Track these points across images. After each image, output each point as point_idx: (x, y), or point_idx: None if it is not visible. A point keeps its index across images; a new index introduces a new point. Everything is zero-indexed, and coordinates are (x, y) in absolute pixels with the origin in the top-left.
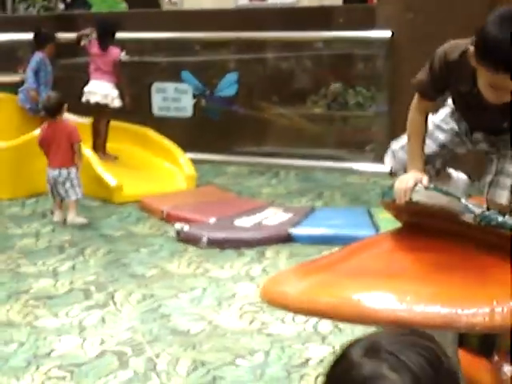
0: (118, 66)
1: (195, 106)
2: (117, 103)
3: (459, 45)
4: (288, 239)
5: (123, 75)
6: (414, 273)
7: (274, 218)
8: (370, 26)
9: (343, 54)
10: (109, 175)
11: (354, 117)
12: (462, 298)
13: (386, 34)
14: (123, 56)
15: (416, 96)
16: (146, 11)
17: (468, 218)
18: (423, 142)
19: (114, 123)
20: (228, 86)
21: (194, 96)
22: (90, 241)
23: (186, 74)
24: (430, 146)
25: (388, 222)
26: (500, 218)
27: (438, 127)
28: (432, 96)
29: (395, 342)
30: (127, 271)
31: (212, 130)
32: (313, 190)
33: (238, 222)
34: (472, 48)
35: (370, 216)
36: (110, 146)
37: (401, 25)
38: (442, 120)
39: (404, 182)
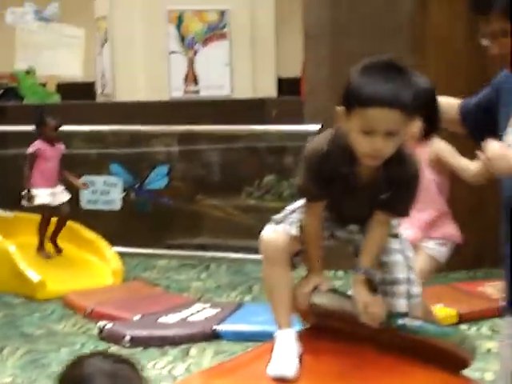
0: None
1: (125, 198)
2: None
3: (321, 137)
4: (214, 336)
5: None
6: (316, 378)
7: (200, 314)
8: (302, 118)
9: (276, 146)
10: (31, 271)
11: None
12: None
13: (315, 127)
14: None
15: (305, 202)
16: (78, 103)
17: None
18: (320, 245)
19: (35, 216)
20: (158, 178)
21: (124, 189)
22: (8, 340)
23: (115, 167)
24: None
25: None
26: (400, 320)
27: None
28: (319, 196)
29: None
30: (46, 372)
31: (142, 223)
32: (243, 284)
33: (163, 319)
34: (340, 108)
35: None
36: (31, 240)
37: (329, 118)
38: None
39: (304, 285)
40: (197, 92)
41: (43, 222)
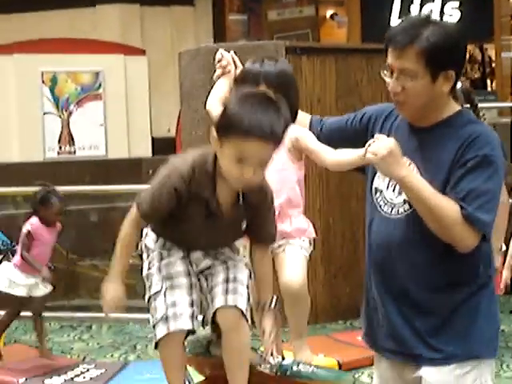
0: None
1: (1, 261)
2: None
3: (187, 158)
4: None
5: None
6: None
7: (85, 374)
8: None
9: None
10: None
11: None
12: None
13: None
14: None
15: (135, 211)
16: None
17: (265, 368)
18: (130, 255)
19: None
20: None
21: (0, 251)
22: None
23: None
24: None
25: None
26: (295, 368)
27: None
28: (152, 216)
29: None
30: None
31: None
32: (126, 343)
33: (48, 382)
34: (214, 134)
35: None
36: None
37: None
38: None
39: (108, 294)
40: (73, 152)
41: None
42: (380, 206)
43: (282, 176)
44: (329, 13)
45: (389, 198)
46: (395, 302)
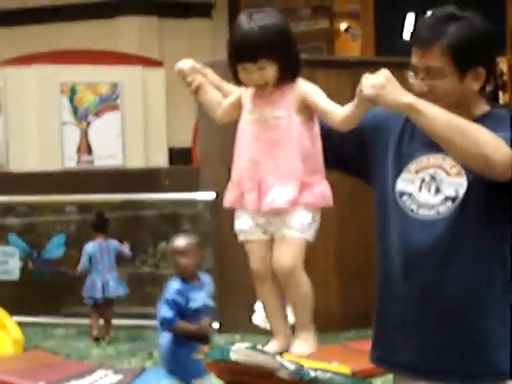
0: None
1: (22, 268)
2: None
3: None
4: None
5: None
6: None
7: (103, 380)
8: (195, 186)
9: (170, 213)
10: None
11: None
12: None
13: (211, 195)
14: None
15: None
16: None
17: (283, 374)
18: None
19: None
20: (56, 247)
21: (21, 258)
22: None
23: (12, 237)
24: None
25: (218, 382)
26: (312, 373)
27: None
28: None
29: None
30: None
31: (40, 292)
32: (143, 350)
33: None
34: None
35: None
36: None
37: (224, 187)
38: None
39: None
40: (91, 162)
41: None
42: (412, 210)
43: (297, 143)
44: (343, 26)
45: (423, 200)
46: (441, 314)
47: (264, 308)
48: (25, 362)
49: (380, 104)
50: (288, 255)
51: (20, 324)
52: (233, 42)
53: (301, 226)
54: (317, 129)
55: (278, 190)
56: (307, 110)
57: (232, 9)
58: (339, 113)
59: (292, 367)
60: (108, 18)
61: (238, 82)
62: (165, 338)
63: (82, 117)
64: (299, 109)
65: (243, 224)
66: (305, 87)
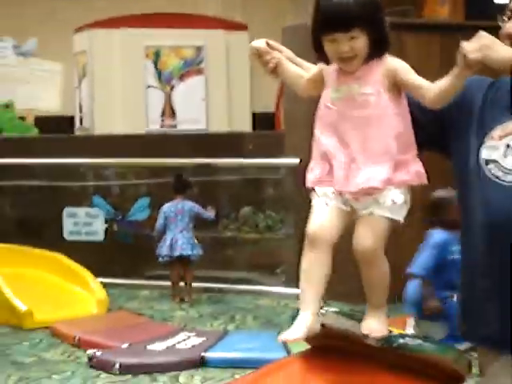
0: None
1: (107, 230)
2: None
3: None
4: (201, 363)
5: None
6: None
7: (186, 342)
8: (279, 152)
9: (253, 178)
10: (18, 300)
11: (264, 239)
12: None
13: (295, 161)
14: None
15: None
16: (57, 136)
17: (371, 340)
18: None
19: (21, 248)
20: (140, 210)
21: (106, 220)
22: (1, 368)
23: (97, 199)
24: None
25: (299, 344)
26: (401, 340)
27: None
28: None
29: None
30: None
31: (124, 255)
32: (225, 313)
33: (151, 347)
34: None
35: None
36: (17, 271)
37: (308, 152)
38: None
39: None
40: (174, 126)
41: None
42: (498, 178)
43: (388, 121)
44: None
45: (509, 166)
46: None
47: (302, 276)
48: (109, 322)
49: (490, 64)
50: (373, 236)
51: (104, 285)
52: (322, 10)
53: (392, 206)
54: (406, 105)
55: (370, 170)
56: (396, 86)
57: None
58: (432, 88)
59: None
60: None
61: (320, 56)
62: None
63: (166, 80)
64: (388, 85)
65: (326, 189)
66: (394, 63)
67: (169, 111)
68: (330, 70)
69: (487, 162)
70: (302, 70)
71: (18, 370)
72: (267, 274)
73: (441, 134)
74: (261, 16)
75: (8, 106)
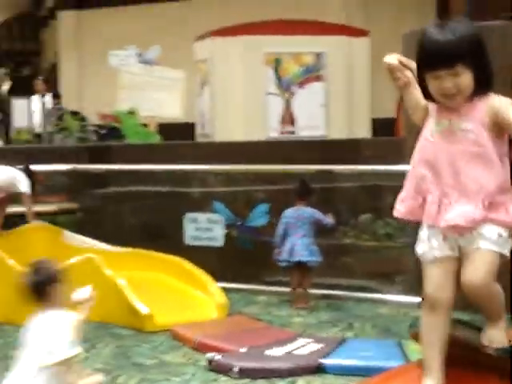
0: None
1: (227, 235)
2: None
3: None
4: (319, 370)
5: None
6: None
7: (304, 348)
8: (399, 158)
9: (372, 185)
10: (140, 304)
11: (384, 247)
12: None
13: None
14: None
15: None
16: (179, 143)
17: (490, 350)
18: None
19: (144, 252)
20: (259, 216)
21: (226, 226)
22: (122, 369)
23: (218, 205)
24: None
25: (419, 353)
26: None
27: None
28: None
29: None
30: None
31: (242, 260)
32: (343, 321)
33: (269, 352)
34: None
35: (401, 348)
36: (140, 274)
37: None
38: None
39: None
40: (293, 132)
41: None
42: None
43: (485, 160)
44: None
45: None
46: None
47: (424, 339)
48: (228, 326)
49: None
50: (482, 271)
51: (224, 290)
52: (425, 49)
53: (497, 239)
54: (507, 147)
55: (461, 208)
56: (498, 126)
57: None
58: None
59: (499, 345)
60: None
61: (425, 94)
62: None
63: (285, 87)
64: (489, 124)
65: (431, 241)
66: (497, 101)
67: (288, 118)
68: (433, 105)
69: None
70: (421, 98)
71: (139, 372)
72: (386, 282)
73: None
74: (382, 22)
75: (131, 113)
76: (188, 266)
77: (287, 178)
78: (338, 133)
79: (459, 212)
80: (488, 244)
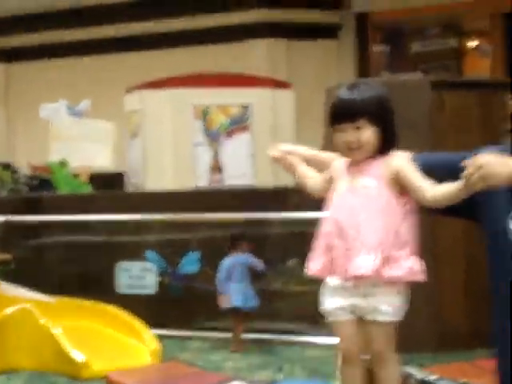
0: None
1: (159, 283)
2: None
3: None
4: None
5: None
6: None
7: None
8: (323, 205)
9: (299, 232)
10: (76, 351)
11: (311, 292)
12: None
13: None
14: None
15: None
16: (109, 193)
17: (412, 382)
18: None
19: (77, 301)
20: (190, 263)
21: (158, 274)
22: None
23: (150, 253)
24: None
25: None
26: (440, 382)
27: None
28: None
29: None
30: None
31: (175, 307)
32: (273, 364)
33: None
34: None
35: None
36: (74, 323)
37: None
38: None
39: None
40: (222, 181)
41: None
42: None
43: (386, 215)
44: (472, 44)
45: None
46: None
47: None
48: (163, 372)
49: (492, 182)
50: (381, 340)
51: (157, 337)
52: (334, 105)
53: (392, 311)
54: (411, 205)
55: (362, 259)
56: (400, 184)
57: (359, 30)
58: (432, 191)
59: (419, 376)
60: (238, 41)
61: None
62: None
63: (213, 138)
64: (391, 181)
65: (329, 304)
66: (399, 160)
67: (216, 167)
68: (340, 164)
69: None
70: (310, 172)
71: None
72: (314, 325)
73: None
74: (305, 73)
75: (62, 164)
76: (121, 313)
77: (217, 225)
78: (265, 181)
79: (360, 263)
80: (382, 317)
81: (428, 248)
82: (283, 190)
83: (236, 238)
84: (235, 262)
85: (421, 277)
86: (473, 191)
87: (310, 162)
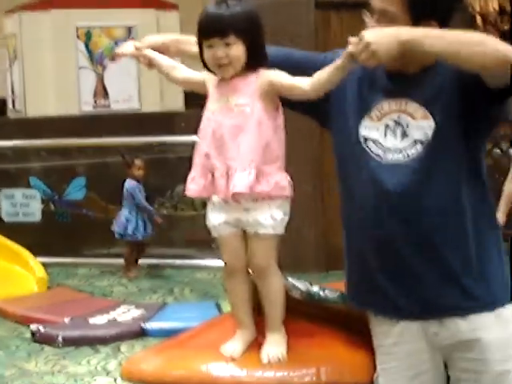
0: None
1: (44, 210)
2: None
3: None
4: (142, 334)
5: None
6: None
7: (127, 314)
8: None
9: (187, 156)
10: None
11: (200, 216)
12: (292, 362)
13: None
14: None
15: None
16: None
17: (296, 294)
18: None
19: None
20: (76, 190)
21: (43, 201)
22: None
23: (33, 180)
24: None
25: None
26: (321, 293)
27: None
28: None
29: None
30: None
31: (62, 234)
32: (164, 287)
33: (93, 320)
34: None
35: (219, 308)
36: None
37: None
38: None
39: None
40: (107, 106)
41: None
42: (379, 156)
43: (259, 131)
44: None
45: (390, 145)
46: (416, 252)
47: (230, 300)
48: (50, 298)
49: (378, 57)
50: (262, 254)
51: (43, 264)
52: (202, 20)
53: (273, 223)
54: (281, 120)
55: (238, 176)
56: (272, 98)
57: None
58: (308, 82)
59: (303, 288)
60: None
61: (205, 65)
62: None
63: (97, 61)
64: (263, 95)
65: (214, 220)
66: (268, 73)
67: (101, 91)
68: (211, 82)
69: (366, 139)
70: (170, 62)
71: None
72: (203, 249)
73: (322, 104)
74: None
75: None
76: (6, 241)
77: (103, 151)
78: (152, 106)
79: (236, 181)
80: (264, 229)
81: (316, 169)
82: (169, 114)
83: (125, 163)
84: (126, 188)
85: (288, 192)
86: (352, 67)
87: (182, 44)
